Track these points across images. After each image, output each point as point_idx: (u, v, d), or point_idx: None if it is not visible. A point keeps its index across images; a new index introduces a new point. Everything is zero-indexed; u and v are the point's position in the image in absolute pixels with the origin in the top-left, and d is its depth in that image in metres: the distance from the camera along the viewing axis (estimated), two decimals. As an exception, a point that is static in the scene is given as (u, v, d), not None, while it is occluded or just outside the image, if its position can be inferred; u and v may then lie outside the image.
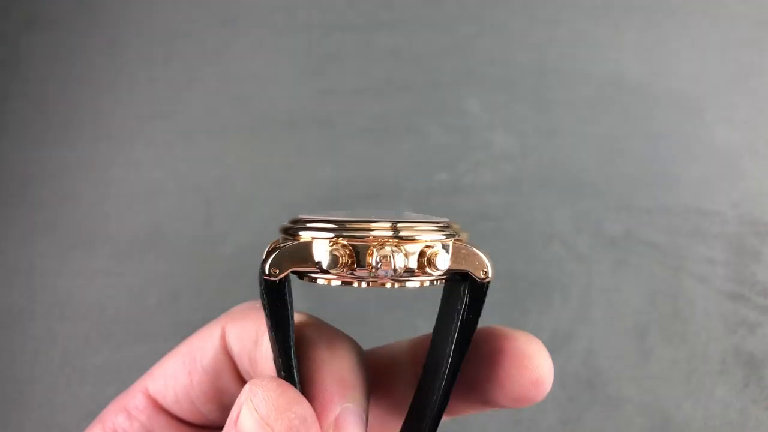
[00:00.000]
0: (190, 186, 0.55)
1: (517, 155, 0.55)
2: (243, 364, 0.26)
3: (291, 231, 0.22)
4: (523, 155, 0.55)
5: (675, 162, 0.54)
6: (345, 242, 0.21)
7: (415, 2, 0.58)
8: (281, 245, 0.22)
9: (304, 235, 0.21)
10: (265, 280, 0.21)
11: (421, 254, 0.21)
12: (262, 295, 0.22)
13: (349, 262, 0.20)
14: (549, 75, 0.56)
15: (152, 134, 0.57)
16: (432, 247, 0.21)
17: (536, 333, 0.53)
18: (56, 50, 0.58)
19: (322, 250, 0.21)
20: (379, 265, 0.20)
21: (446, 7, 0.58)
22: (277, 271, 0.21)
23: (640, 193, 0.54)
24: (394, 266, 0.20)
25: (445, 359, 0.23)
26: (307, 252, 0.21)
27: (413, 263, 0.21)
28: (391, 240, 0.21)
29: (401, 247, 0.20)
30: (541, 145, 0.55)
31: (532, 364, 0.25)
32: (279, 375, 0.23)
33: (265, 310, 0.22)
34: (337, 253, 0.20)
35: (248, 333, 0.26)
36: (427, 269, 0.21)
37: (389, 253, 0.20)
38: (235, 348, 0.26)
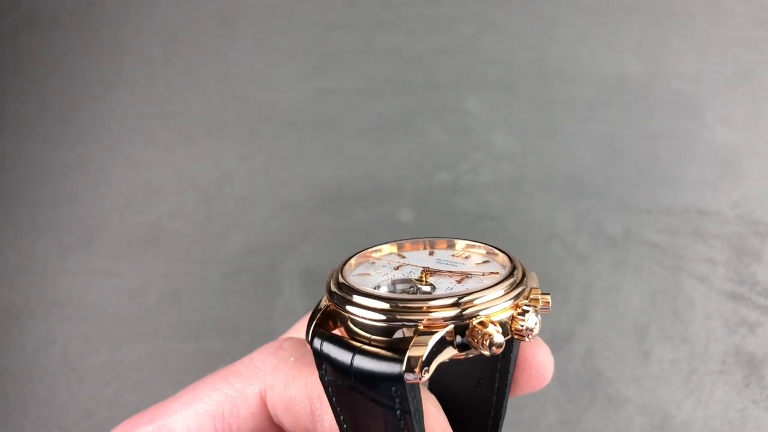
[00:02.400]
0: (190, 186, 0.55)
1: (517, 155, 0.55)
2: (299, 430, 0.23)
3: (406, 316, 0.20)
4: (523, 155, 0.55)
5: (675, 162, 0.54)
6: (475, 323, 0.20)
7: (415, 2, 0.58)
8: (420, 344, 0.20)
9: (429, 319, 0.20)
10: (413, 384, 0.20)
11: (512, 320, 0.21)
12: (405, 399, 0.20)
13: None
14: (549, 75, 0.56)
15: (152, 134, 0.57)
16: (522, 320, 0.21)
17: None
18: (56, 50, 0.58)
19: (459, 339, 0.21)
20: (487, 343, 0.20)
21: (446, 7, 0.58)
22: (428, 370, 0.20)
23: (640, 193, 0.54)
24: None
25: (493, 407, 0.24)
26: (446, 342, 0.20)
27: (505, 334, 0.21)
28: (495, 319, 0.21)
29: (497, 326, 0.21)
30: (541, 145, 0.55)
31: (542, 375, 0.26)
32: None
33: (410, 414, 0.20)
34: (471, 338, 0.20)
35: (300, 404, 0.23)
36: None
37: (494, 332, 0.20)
38: (287, 421, 0.23)
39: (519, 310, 0.21)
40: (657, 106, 0.55)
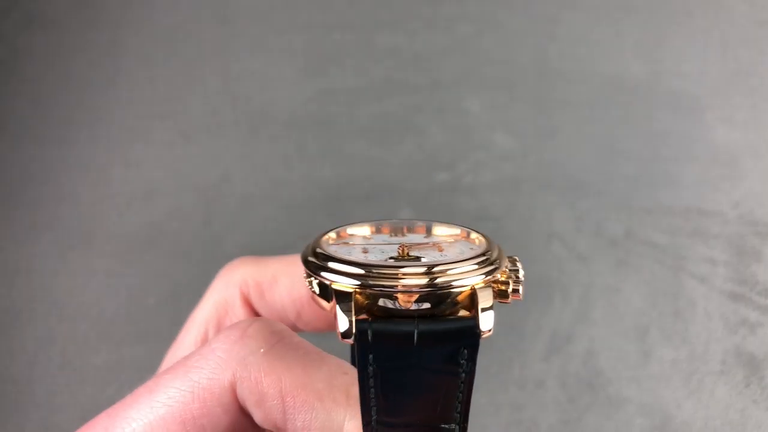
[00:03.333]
0: (190, 186, 0.55)
1: (517, 155, 0.55)
2: (268, 425, 0.22)
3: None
4: (523, 155, 0.55)
5: (675, 162, 0.54)
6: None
7: (415, 2, 0.58)
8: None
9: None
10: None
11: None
12: (472, 359, 0.20)
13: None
14: (549, 75, 0.56)
15: (152, 134, 0.57)
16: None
17: (536, 333, 0.53)
18: (56, 50, 0.58)
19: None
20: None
21: (446, 7, 0.58)
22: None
23: (640, 193, 0.54)
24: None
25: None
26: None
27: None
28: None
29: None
30: (541, 145, 0.55)
31: None
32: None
33: (474, 374, 0.21)
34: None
35: (272, 401, 0.21)
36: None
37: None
38: (256, 414, 0.22)
39: (502, 277, 0.22)
40: (657, 106, 0.55)
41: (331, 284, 0.21)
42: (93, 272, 0.53)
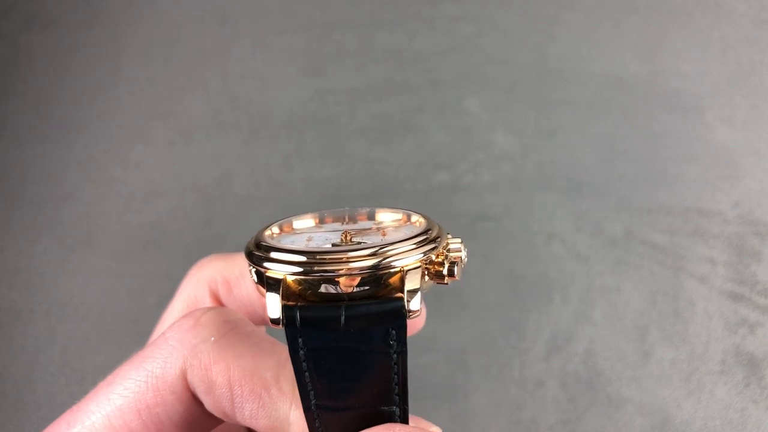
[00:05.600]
0: (190, 186, 0.55)
1: (517, 155, 0.55)
2: (217, 413, 0.22)
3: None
4: (523, 155, 0.55)
5: (675, 162, 0.54)
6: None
7: (415, 2, 0.58)
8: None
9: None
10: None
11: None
12: (402, 340, 0.21)
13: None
14: (549, 75, 0.56)
15: (152, 134, 0.57)
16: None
17: (536, 333, 0.53)
18: (55, 50, 0.58)
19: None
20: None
21: (446, 7, 0.58)
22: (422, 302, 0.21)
23: (640, 193, 0.54)
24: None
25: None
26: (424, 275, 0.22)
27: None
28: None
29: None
30: (541, 145, 0.55)
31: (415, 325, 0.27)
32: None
33: (405, 354, 0.21)
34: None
35: (221, 389, 0.21)
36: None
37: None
38: (206, 402, 0.22)
39: (438, 258, 0.22)
40: (657, 106, 0.55)
41: (265, 272, 0.21)
42: (93, 272, 0.53)
